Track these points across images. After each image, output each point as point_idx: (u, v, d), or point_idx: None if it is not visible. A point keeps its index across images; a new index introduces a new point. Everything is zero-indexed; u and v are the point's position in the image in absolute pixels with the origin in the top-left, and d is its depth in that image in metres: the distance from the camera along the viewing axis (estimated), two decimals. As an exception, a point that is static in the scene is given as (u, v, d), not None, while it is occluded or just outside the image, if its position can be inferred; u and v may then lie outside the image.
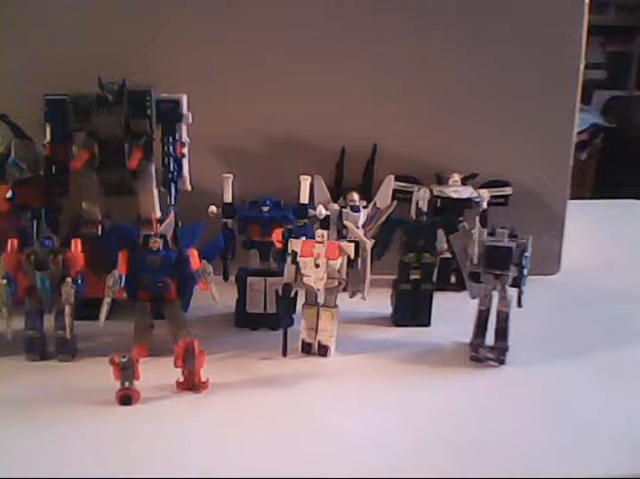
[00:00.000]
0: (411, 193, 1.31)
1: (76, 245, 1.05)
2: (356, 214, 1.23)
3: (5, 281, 1.03)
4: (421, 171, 1.34)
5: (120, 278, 1.04)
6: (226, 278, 1.19)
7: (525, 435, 0.91)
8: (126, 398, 0.94)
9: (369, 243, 1.12)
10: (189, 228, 1.15)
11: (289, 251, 1.08)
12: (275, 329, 1.14)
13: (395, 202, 1.27)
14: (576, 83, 1.36)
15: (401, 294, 1.20)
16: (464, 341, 1.11)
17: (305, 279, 1.06)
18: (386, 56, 1.32)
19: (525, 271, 1.05)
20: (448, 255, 1.28)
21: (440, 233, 1.23)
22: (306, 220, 1.18)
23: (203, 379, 0.99)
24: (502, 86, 1.35)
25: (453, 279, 1.34)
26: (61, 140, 1.16)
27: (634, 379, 1.06)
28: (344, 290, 1.10)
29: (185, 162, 1.19)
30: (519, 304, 1.06)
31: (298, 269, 1.07)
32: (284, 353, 1.09)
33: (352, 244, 1.07)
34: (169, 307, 1.09)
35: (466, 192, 1.32)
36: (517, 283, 1.06)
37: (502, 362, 1.08)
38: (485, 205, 1.32)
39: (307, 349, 1.10)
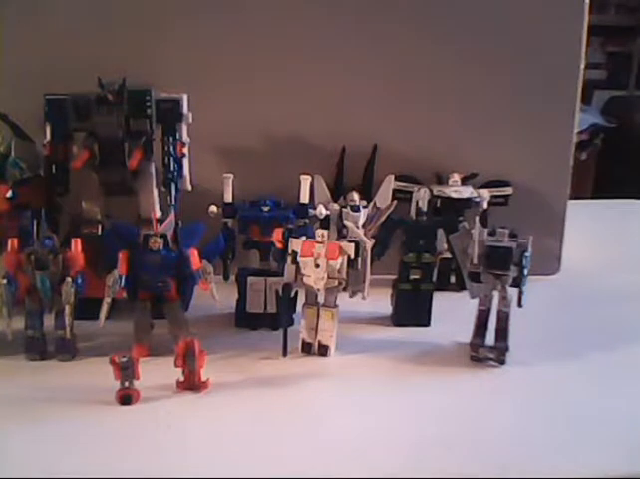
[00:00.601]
0: (411, 192, 1.31)
1: (76, 245, 1.05)
2: (356, 213, 1.23)
3: (5, 281, 1.03)
4: (421, 171, 1.34)
5: (120, 278, 1.04)
6: (226, 278, 1.20)
7: (525, 435, 0.91)
8: (126, 398, 0.94)
9: (369, 243, 1.12)
10: (190, 227, 1.15)
11: (289, 251, 1.08)
12: (275, 329, 1.15)
13: (395, 201, 1.27)
14: (576, 83, 1.36)
15: (401, 294, 1.20)
16: (464, 341, 1.11)
17: (305, 279, 1.06)
18: (386, 56, 1.32)
19: (525, 271, 1.05)
20: (448, 255, 1.28)
21: (440, 232, 1.23)
22: (306, 219, 1.18)
23: (203, 379, 0.99)
24: (503, 86, 1.35)
25: (453, 279, 1.34)
26: (61, 140, 1.16)
27: (634, 379, 1.06)
28: (344, 290, 1.10)
29: (186, 161, 1.19)
30: (519, 304, 1.06)
31: (298, 269, 1.07)
32: (284, 353, 1.09)
33: (352, 244, 1.07)
34: (170, 307, 1.09)
35: (466, 192, 1.32)
36: (517, 283, 1.06)
37: (503, 362, 1.08)
38: (486, 205, 1.33)
39: (307, 349, 1.10)
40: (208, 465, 0.84)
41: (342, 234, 1.21)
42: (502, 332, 1.07)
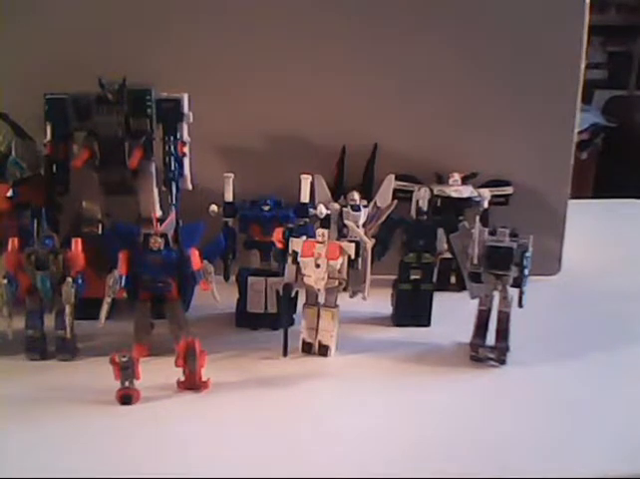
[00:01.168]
0: (411, 192, 1.31)
1: (76, 245, 1.05)
2: (357, 213, 1.24)
3: (6, 281, 1.03)
4: (421, 170, 1.34)
5: (120, 278, 1.04)
6: (227, 278, 1.20)
7: (525, 435, 0.91)
8: (126, 397, 0.94)
9: (369, 243, 1.12)
10: (190, 227, 1.15)
11: (290, 251, 1.08)
12: (276, 329, 1.15)
13: (395, 201, 1.27)
14: (576, 83, 1.36)
15: (401, 294, 1.20)
16: (464, 341, 1.11)
17: (306, 279, 1.06)
18: (386, 56, 1.32)
19: (526, 271, 1.05)
20: (448, 255, 1.29)
21: (440, 232, 1.23)
22: (307, 219, 1.18)
23: (204, 379, 0.99)
24: (503, 86, 1.35)
25: (453, 279, 1.34)
26: (61, 139, 1.16)
27: (634, 379, 1.06)
28: (344, 290, 1.10)
29: (186, 161, 1.19)
30: (520, 304, 1.06)
31: (299, 269, 1.07)
32: (285, 353, 1.09)
33: (353, 244, 1.07)
34: (170, 307, 1.09)
35: (466, 191, 1.32)
36: (518, 283, 1.06)
37: (503, 362, 1.08)
38: (486, 204, 1.33)
39: (307, 349, 1.10)
40: (208, 465, 0.84)
41: (342, 233, 1.21)
42: (503, 332, 1.07)
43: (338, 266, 1.05)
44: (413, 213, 1.28)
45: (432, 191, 1.30)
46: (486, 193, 1.33)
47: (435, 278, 1.21)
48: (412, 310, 1.20)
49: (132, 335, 1.08)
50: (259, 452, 0.87)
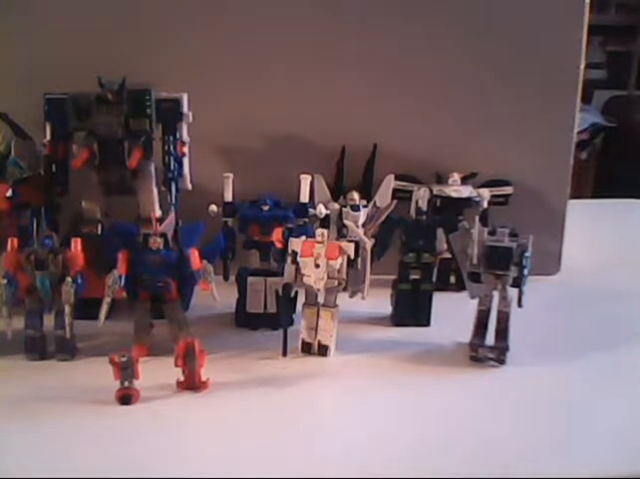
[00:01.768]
0: (411, 192, 1.31)
1: (76, 245, 1.05)
2: (356, 213, 1.24)
3: (5, 281, 1.03)
4: (421, 170, 1.34)
5: (120, 278, 1.04)
6: (226, 278, 1.20)
7: (525, 435, 0.91)
8: (126, 397, 0.94)
9: (369, 243, 1.12)
10: (190, 227, 1.15)
11: (289, 251, 1.08)
12: (275, 329, 1.14)
13: (395, 201, 1.27)
14: (576, 83, 1.36)
15: (401, 294, 1.20)
16: (464, 341, 1.11)
17: (305, 279, 1.06)
18: (386, 56, 1.32)
19: (525, 271, 1.05)
20: (448, 255, 1.28)
21: (440, 232, 1.23)
22: (306, 219, 1.18)
23: (203, 378, 0.99)
24: (502, 86, 1.35)
25: (453, 279, 1.34)
26: (61, 139, 1.16)
27: (634, 379, 1.06)
28: (344, 290, 1.10)
29: (186, 161, 1.19)
30: (519, 304, 1.06)
31: (298, 269, 1.07)
32: (284, 353, 1.09)
33: (352, 244, 1.07)
34: (170, 307, 1.09)
35: (466, 191, 1.32)
36: (517, 283, 1.06)
37: (502, 362, 1.08)
38: (486, 204, 1.32)
39: (307, 349, 1.10)
40: (208, 465, 0.84)
41: (342, 233, 1.21)
42: (502, 332, 1.07)
43: (337, 266, 1.05)
44: (412, 213, 1.28)
45: (431, 191, 1.30)
46: (486, 193, 1.33)
47: (434, 278, 1.21)
48: (411, 310, 1.20)
49: (131, 335, 1.07)
50: (259, 452, 0.87)
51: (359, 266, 1.09)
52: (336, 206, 1.26)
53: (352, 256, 1.07)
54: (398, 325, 1.21)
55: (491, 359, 1.08)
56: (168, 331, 1.08)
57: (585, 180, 3.25)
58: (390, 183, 1.30)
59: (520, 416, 0.96)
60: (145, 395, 0.96)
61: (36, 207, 1.14)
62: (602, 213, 1.81)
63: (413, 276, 1.19)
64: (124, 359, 0.93)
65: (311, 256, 1.05)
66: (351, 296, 1.12)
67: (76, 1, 1.26)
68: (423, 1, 1.31)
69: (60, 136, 1.16)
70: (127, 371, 0.94)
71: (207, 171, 1.21)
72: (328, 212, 1.22)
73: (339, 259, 1.05)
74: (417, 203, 1.24)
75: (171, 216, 1.12)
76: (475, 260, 1.05)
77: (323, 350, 1.10)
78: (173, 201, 1.17)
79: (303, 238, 1.07)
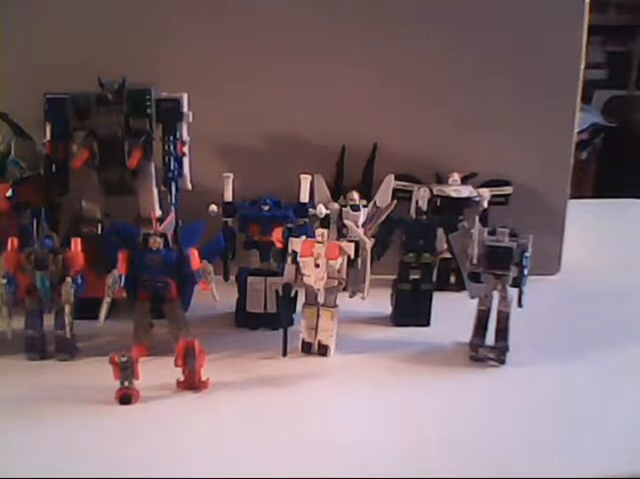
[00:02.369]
0: (411, 192, 1.32)
1: (76, 245, 1.05)
2: (356, 213, 1.24)
3: (5, 280, 1.03)
4: (421, 170, 1.34)
5: (120, 278, 1.04)
6: (226, 278, 1.20)
7: (525, 435, 0.91)
8: (126, 397, 0.94)
9: (369, 243, 1.12)
10: (190, 227, 1.15)
11: (289, 251, 1.08)
12: (275, 329, 1.14)
13: (395, 201, 1.27)
14: (576, 83, 1.36)
15: (401, 294, 1.20)
16: (464, 341, 1.11)
17: (305, 279, 1.06)
18: (386, 56, 1.32)
19: (525, 271, 1.05)
20: (448, 255, 1.28)
21: (440, 232, 1.23)
22: (306, 219, 1.18)
23: (203, 378, 0.99)
24: (502, 86, 1.35)
25: (453, 279, 1.34)
26: (61, 139, 1.16)
27: (634, 379, 1.06)
28: (344, 290, 1.10)
29: (186, 161, 1.19)
30: (519, 304, 1.06)
31: (298, 269, 1.07)
32: (284, 353, 1.09)
33: (352, 244, 1.07)
34: (169, 307, 1.09)
35: (466, 191, 1.32)
36: (517, 283, 1.06)
37: (502, 362, 1.08)
38: (486, 204, 1.33)
39: (307, 349, 1.10)
40: (208, 465, 0.84)
41: (342, 233, 1.21)
42: (502, 332, 1.07)
43: (337, 266, 1.05)
44: (412, 212, 1.28)
45: (431, 190, 1.30)
46: (486, 192, 1.33)
47: (434, 278, 1.21)
48: (411, 310, 1.20)
49: (131, 335, 1.07)
50: (259, 452, 0.87)
51: (359, 266, 1.09)
52: (336, 205, 1.26)
53: (352, 256, 1.07)
54: (398, 325, 1.21)
55: (491, 359, 1.08)
56: (168, 331, 1.08)
57: (585, 180, 3.25)
58: (390, 183, 1.30)
59: (520, 416, 0.96)
60: (145, 395, 0.96)
61: (36, 207, 1.14)
62: (602, 213, 1.82)
63: (413, 276, 1.19)
64: (124, 359, 0.93)
65: (311, 256, 1.05)
66: (351, 296, 1.12)
67: (76, 1, 1.27)
68: (423, 1, 1.31)
69: (60, 136, 1.16)
70: (127, 371, 0.93)
71: (207, 171, 1.21)
72: (328, 211, 1.22)
73: (339, 259, 1.05)
74: (417, 202, 1.24)
75: (171, 216, 1.12)
76: (475, 260, 1.05)
77: (323, 350, 1.10)
78: (173, 201, 1.17)
79: (303, 237, 1.07)
